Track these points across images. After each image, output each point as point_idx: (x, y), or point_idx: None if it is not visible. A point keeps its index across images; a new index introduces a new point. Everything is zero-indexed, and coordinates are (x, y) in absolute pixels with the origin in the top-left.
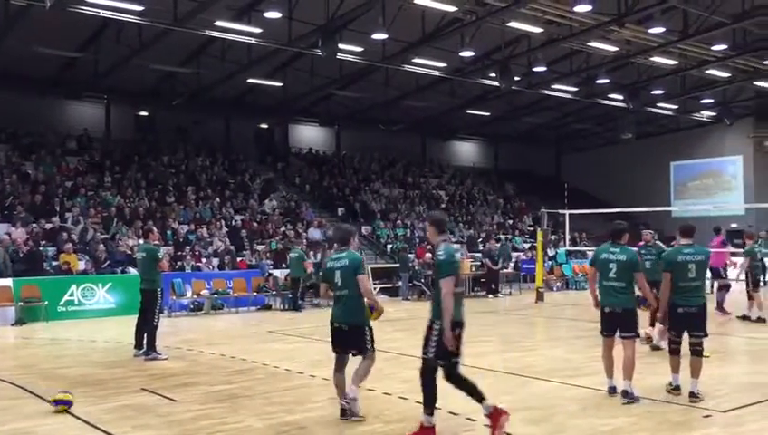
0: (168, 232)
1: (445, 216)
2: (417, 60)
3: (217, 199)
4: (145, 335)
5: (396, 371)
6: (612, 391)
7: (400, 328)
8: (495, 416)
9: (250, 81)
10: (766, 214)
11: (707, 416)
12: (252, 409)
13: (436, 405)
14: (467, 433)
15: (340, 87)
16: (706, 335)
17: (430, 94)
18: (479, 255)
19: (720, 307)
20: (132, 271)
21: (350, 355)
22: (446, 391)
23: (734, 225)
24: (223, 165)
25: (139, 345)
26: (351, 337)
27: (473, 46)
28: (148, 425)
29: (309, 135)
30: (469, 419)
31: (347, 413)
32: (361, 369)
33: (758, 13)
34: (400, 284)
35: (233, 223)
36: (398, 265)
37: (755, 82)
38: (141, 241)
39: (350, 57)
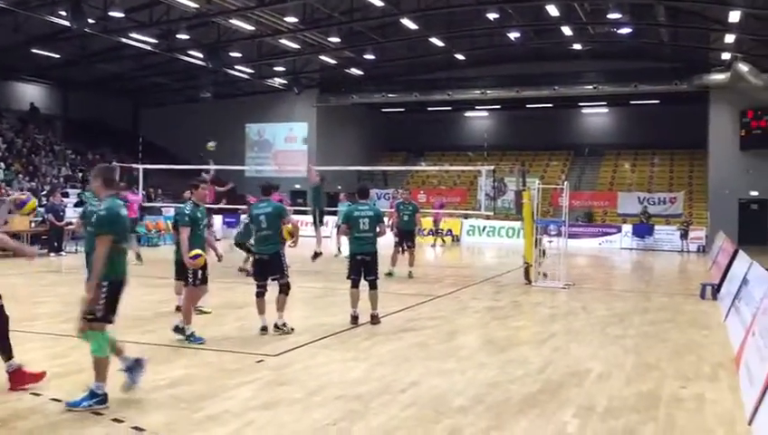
0: None
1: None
2: None
3: None
4: None
5: None
6: (190, 339)
7: None
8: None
9: None
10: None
11: (260, 361)
12: None
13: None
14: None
15: None
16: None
17: None
18: (42, 210)
19: None
20: None
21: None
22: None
23: (297, 186)
24: None
25: None
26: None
27: None
28: None
29: None
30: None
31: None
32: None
33: None
34: None
35: None
36: None
37: (321, 57)
38: None
39: None
